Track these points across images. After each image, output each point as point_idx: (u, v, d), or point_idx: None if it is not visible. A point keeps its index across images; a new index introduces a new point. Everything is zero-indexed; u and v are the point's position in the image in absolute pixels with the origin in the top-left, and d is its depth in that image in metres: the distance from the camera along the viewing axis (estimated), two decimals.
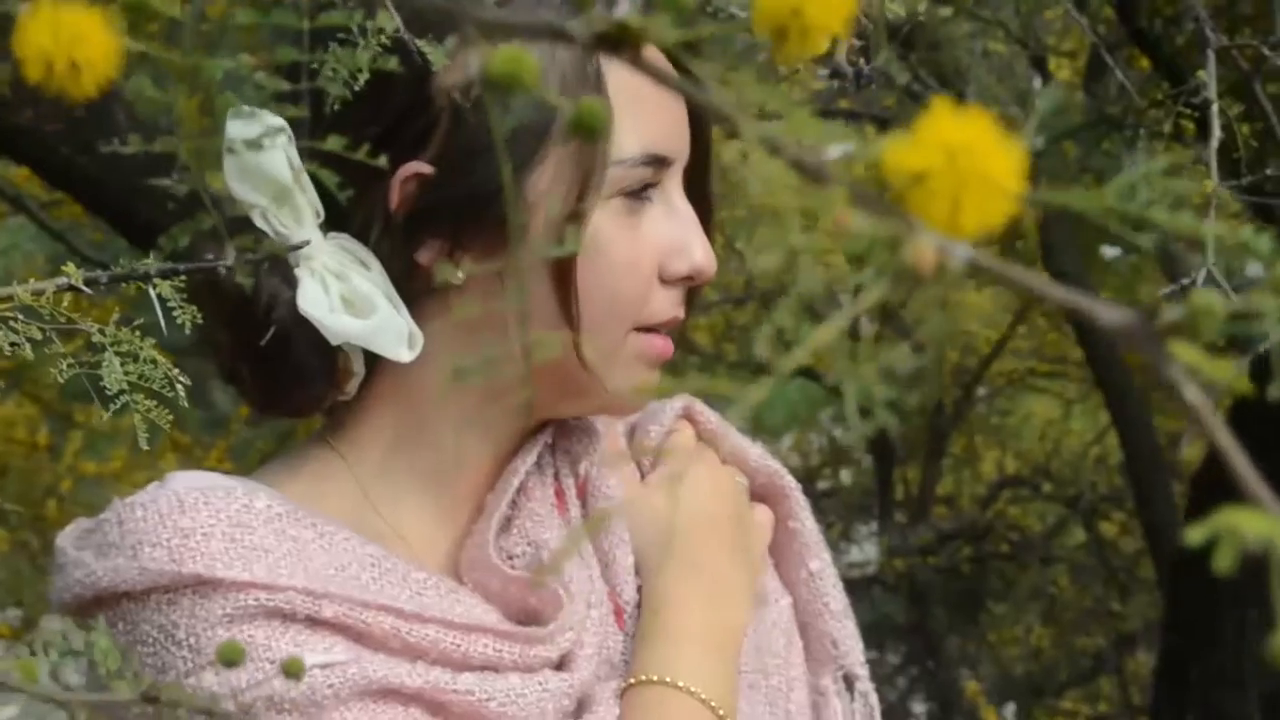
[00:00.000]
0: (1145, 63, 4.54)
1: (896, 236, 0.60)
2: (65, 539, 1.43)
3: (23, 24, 0.69)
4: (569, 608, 1.44)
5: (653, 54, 0.68)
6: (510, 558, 1.48)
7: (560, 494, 1.52)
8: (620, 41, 0.60)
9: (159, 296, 1.49)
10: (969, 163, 0.59)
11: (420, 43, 1.16)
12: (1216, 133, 2.60)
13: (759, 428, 7.82)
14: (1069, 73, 5.83)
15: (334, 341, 1.40)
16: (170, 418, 1.51)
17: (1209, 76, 2.44)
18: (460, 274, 1.40)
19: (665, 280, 1.45)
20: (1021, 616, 7.43)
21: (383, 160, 1.16)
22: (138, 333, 1.46)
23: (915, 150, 0.59)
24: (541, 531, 1.48)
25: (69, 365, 1.44)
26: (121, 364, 1.40)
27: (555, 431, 1.54)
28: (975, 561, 7.34)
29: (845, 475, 7.91)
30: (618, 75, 1.40)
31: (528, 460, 1.49)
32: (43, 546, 6.21)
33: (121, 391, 1.41)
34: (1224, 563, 0.66)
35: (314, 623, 1.36)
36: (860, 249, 0.61)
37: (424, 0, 0.66)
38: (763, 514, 1.58)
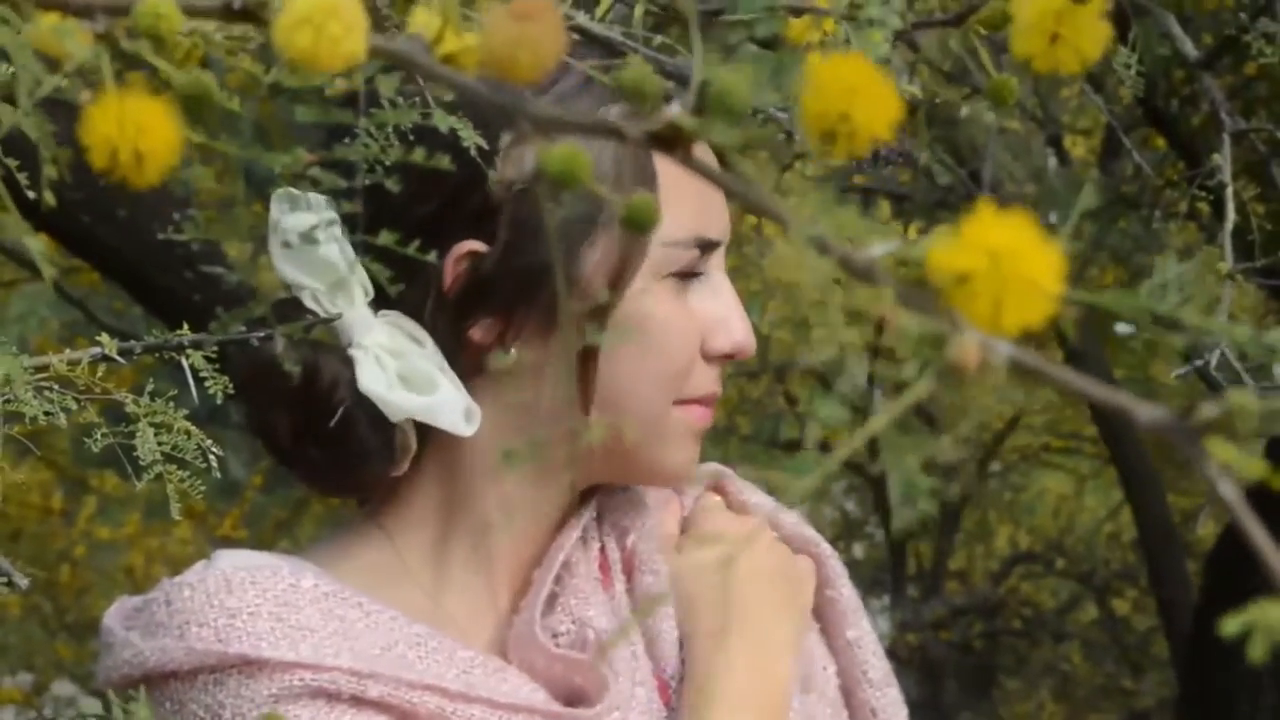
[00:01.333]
0: (1161, 142, 4.57)
1: (941, 334, 0.61)
2: (113, 618, 1.44)
3: (89, 113, 0.71)
4: (614, 687, 1.45)
5: (701, 150, 0.69)
6: (555, 635, 1.48)
7: (605, 568, 1.53)
8: (672, 141, 0.62)
9: (191, 367, 1.50)
10: (1011, 265, 0.61)
11: (461, 127, 1.17)
12: (1231, 215, 2.62)
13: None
14: (1084, 151, 5.85)
15: (395, 419, 1.41)
16: (203, 488, 1.52)
17: (1224, 160, 2.46)
18: (512, 356, 1.41)
19: (707, 356, 1.47)
20: (1034, 693, 7.41)
21: (432, 256, 1.18)
22: (170, 404, 1.47)
23: (959, 252, 0.61)
24: (586, 609, 1.49)
25: (102, 435, 1.46)
26: (155, 434, 1.42)
27: (602, 502, 1.55)
28: (988, 637, 7.32)
29: (858, 549, 7.90)
30: (669, 164, 1.42)
31: (572, 536, 1.50)
32: (55, 611, 6.21)
33: (155, 461, 1.42)
34: (1258, 653, 0.67)
35: (360, 703, 1.36)
36: (906, 345, 0.62)
37: (480, 96, 0.67)
38: (805, 563, 1.58)
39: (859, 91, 0.62)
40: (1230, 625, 0.65)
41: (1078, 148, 5.83)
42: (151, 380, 1.54)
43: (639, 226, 0.66)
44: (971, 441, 6.95)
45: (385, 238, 1.03)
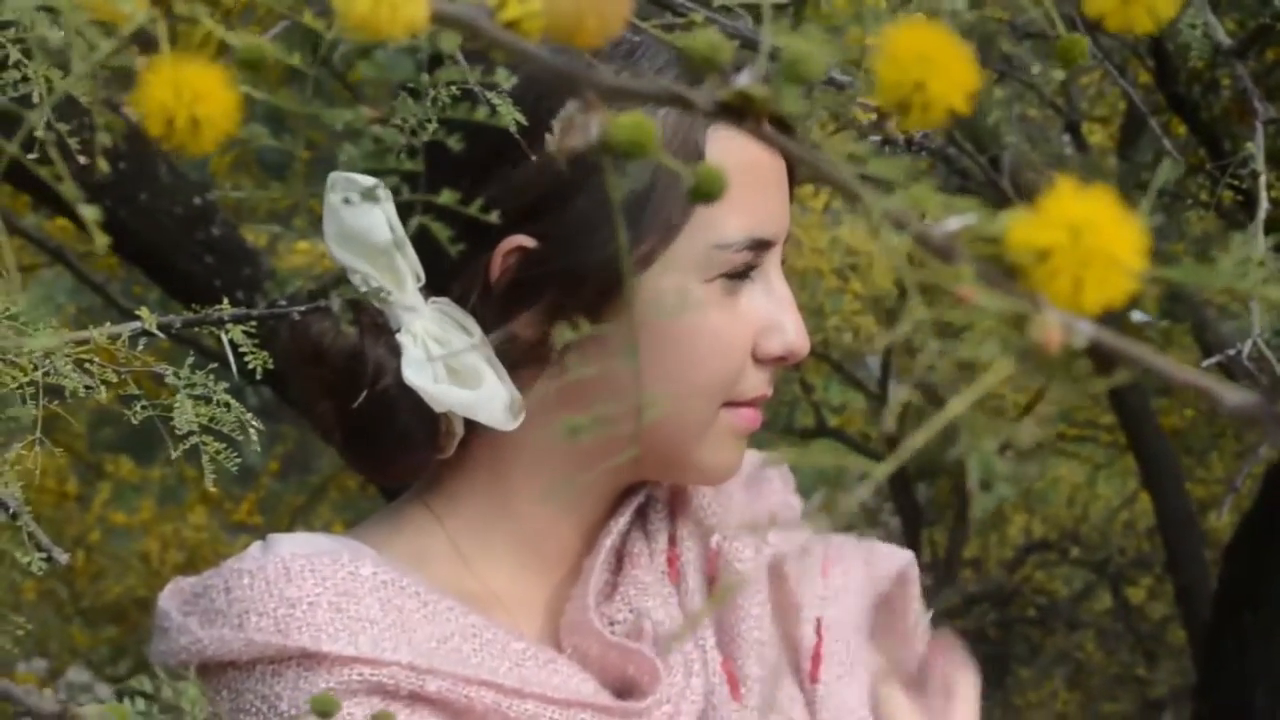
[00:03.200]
0: (1182, 129, 4.55)
1: (1021, 313, 0.60)
2: (169, 601, 1.43)
3: (144, 79, 0.70)
4: (666, 679, 1.45)
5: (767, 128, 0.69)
6: (612, 623, 1.48)
7: (673, 561, 1.52)
8: (743, 111, 0.61)
9: (230, 342, 1.50)
10: (1092, 240, 0.59)
11: (514, 113, 1.16)
12: (1265, 204, 2.60)
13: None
14: (1102, 138, 5.84)
15: (439, 410, 1.40)
16: (238, 460, 1.52)
17: (1258, 148, 2.44)
18: (576, 332, 1.42)
19: (758, 359, 1.46)
20: (1048, 681, 7.40)
21: (494, 217, 1.17)
22: (211, 376, 1.46)
23: (1039, 227, 0.59)
24: (644, 599, 1.49)
25: (142, 407, 1.45)
26: (194, 407, 1.41)
27: (675, 499, 1.55)
28: (1002, 625, 7.31)
29: (872, 536, 7.88)
30: (725, 159, 1.41)
31: (620, 521, 1.50)
32: (70, 597, 6.21)
33: (191, 433, 1.42)
34: None
35: (416, 699, 1.37)
36: (984, 325, 0.61)
37: (544, 63, 0.66)
38: None
39: (935, 60, 0.61)
40: None
41: (1095, 135, 5.81)
42: (176, 362, 1.54)
43: (708, 196, 0.65)
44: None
45: (448, 196, 1.01)
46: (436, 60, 1.15)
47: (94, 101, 0.81)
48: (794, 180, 1.48)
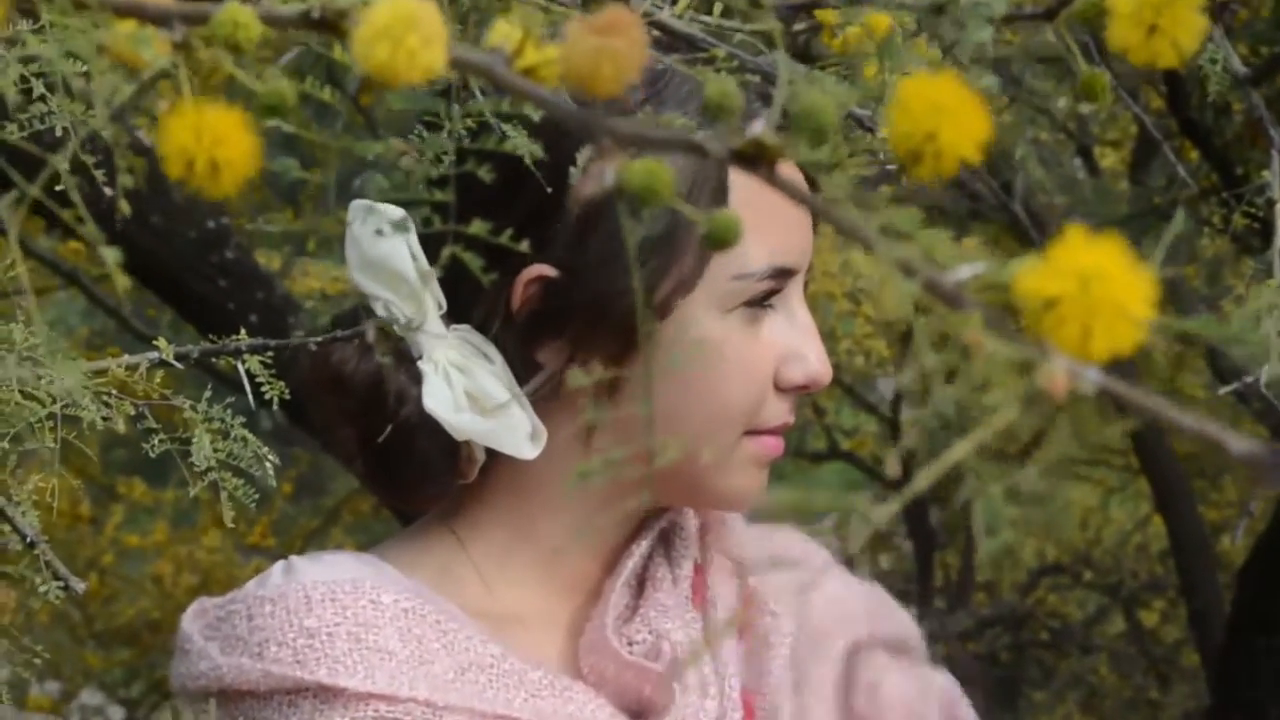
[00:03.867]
0: (1194, 153, 4.55)
1: (1028, 360, 0.60)
2: (192, 624, 1.44)
3: (165, 122, 0.71)
4: (681, 700, 1.45)
5: (787, 169, 0.69)
6: (631, 644, 1.49)
7: (698, 589, 1.53)
8: (756, 159, 0.61)
9: (247, 371, 1.50)
10: (1101, 289, 0.60)
11: (536, 148, 1.17)
12: None
13: (800, 511, 7.79)
14: (1114, 161, 5.84)
15: (459, 439, 1.41)
16: (256, 495, 1.52)
17: (1274, 175, 2.44)
18: (590, 375, 1.41)
19: (780, 387, 1.46)
20: (1061, 705, 7.39)
21: (522, 245, 1.18)
22: (229, 410, 1.47)
23: (1048, 276, 0.60)
24: (665, 621, 1.49)
25: (160, 441, 1.46)
26: (211, 441, 1.42)
27: (704, 528, 1.56)
28: (1014, 649, 7.30)
29: (885, 560, 7.88)
30: (745, 187, 1.42)
31: (643, 545, 1.51)
32: (84, 619, 6.21)
33: (210, 469, 1.43)
34: None
35: None
36: (992, 371, 0.61)
37: (561, 109, 0.66)
38: None
39: (947, 111, 0.61)
40: None
41: (1108, 159, 5.82)
42: (189, 391, 1.55)
43: (722, 244, 0.65)
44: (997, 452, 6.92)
45: (478, 226, 1.02)
46: (461, 88, 1.15)
47: (116, 143, 0.82)
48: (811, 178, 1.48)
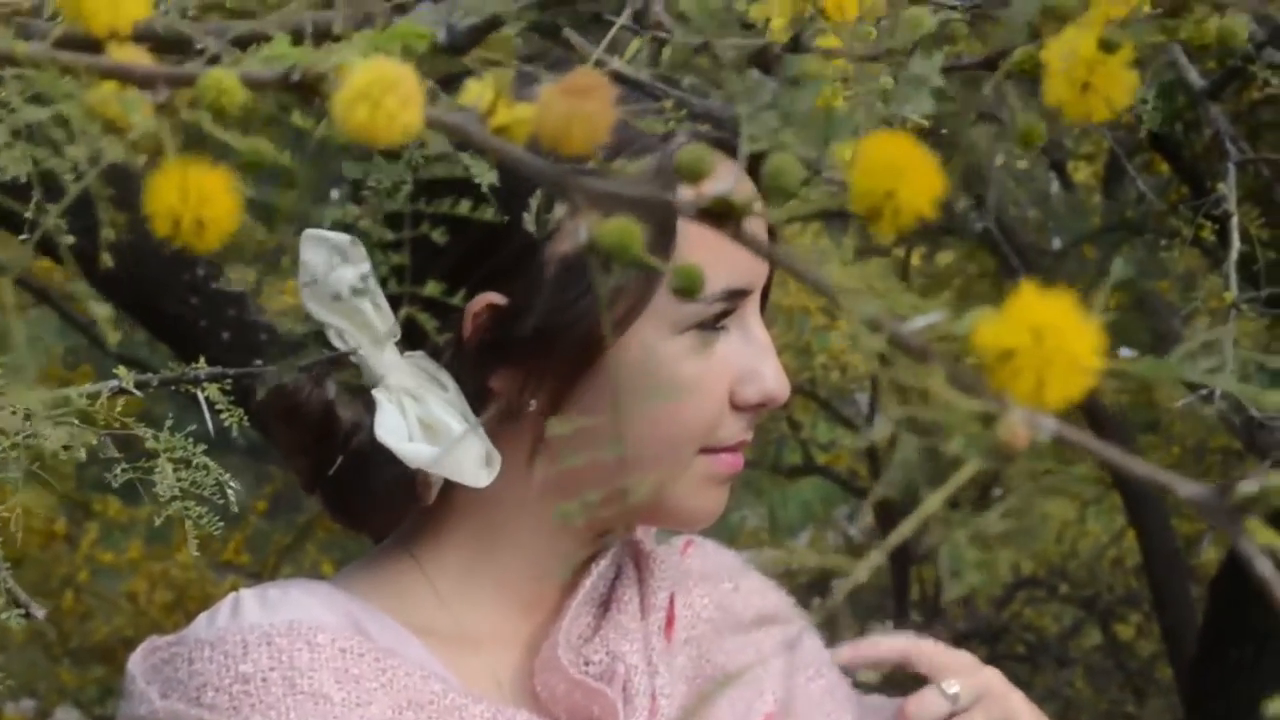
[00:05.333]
0: (1164, 167, 4.57)
1: (989, 412, 0.62)
2: (137, 665, 1.45)
3: (152, 181, 0.72)
4: None
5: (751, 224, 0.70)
6: (587, 664, 1.50)
7: (671, 621, 1.54)
8: (724, 216, 0.62)
9: (207, 399, 1.51)
10: (1054, 342, 0.62)
11: (490, 178, 1.18)
12: (1236, 244, 2.62)
13: (775, 526, 7.81)
14: (1087, 175, 5.86)
15: (412, 466, 1.42)
16: (220, 523, 1.53)
17: (1229, 189, 2.46)
18: (568, 423, 1.42)
19: (737, 406, 1.47)
20: None
21: (476, 273, 1.18)
22: (189, 439, 1.47)
23: (1003, 329, 0.62)
24: (623, 643, 1.50)
25: (122, 470, 1.46)
26: (175, 470, 1.42)
27: (688, 562, 1.57)
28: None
29: (861, 573, 7.88)
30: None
31: (602, 564, 1.52)
32: (59, 637, 6.20)
33: (174, 498, 1.43)
34: None
35: None
36: (953, 422, 0.63)
37: (531, 168, 0.67)
38: None
39: (904, 170, 0.63)
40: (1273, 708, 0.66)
41: (1080, 173, 5.84)
42: (158, 407, 1.55)
43: (688, 292, 0.66)
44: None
45: (433, 288, 1.03)
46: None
47: (101, 201, 0.83)
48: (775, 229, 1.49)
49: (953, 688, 1.52)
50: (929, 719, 1.51)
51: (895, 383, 0.64)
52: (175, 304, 3.71)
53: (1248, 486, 0.63)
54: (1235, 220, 2.68)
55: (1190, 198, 4.03)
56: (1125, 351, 6.78)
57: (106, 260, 0.84)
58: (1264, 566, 0.64)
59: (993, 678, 1.55)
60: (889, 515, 6.58)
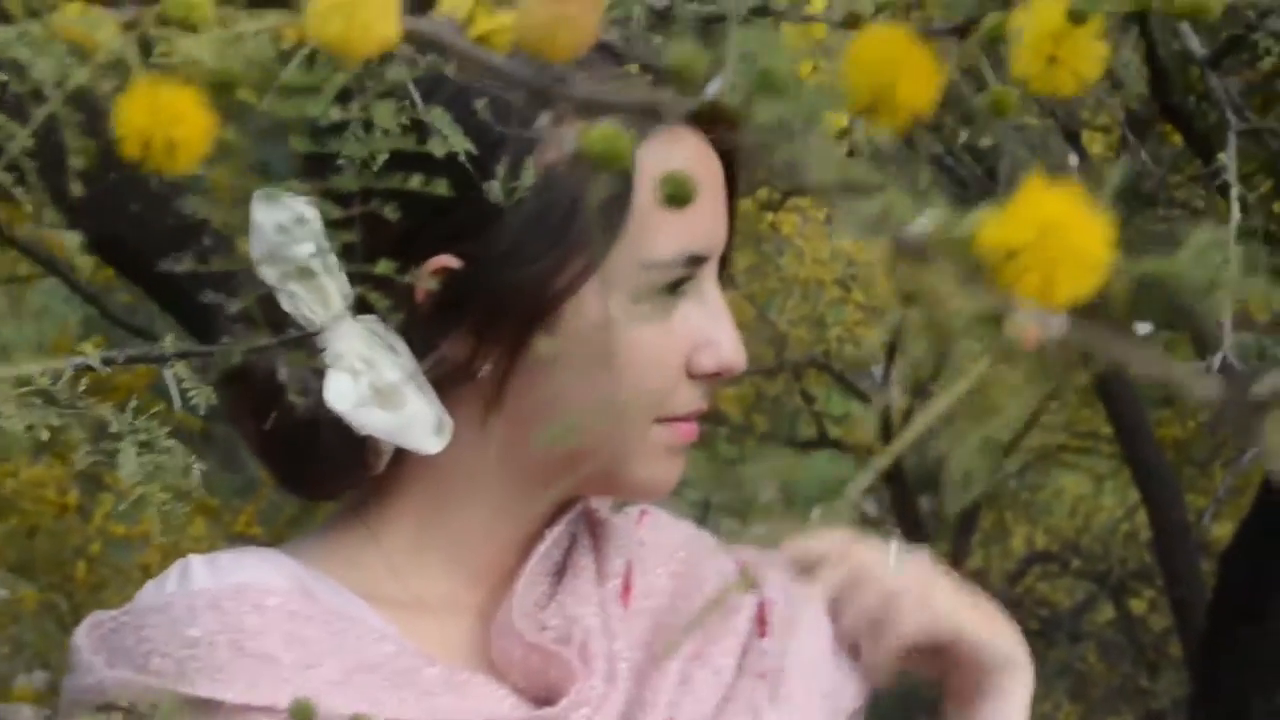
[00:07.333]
0: (1178, 138, 4.55)
1: (996, 312, 0.61)
2: (82, 637, 1.44)
3: (120, 103, 0.71)
4: (586, 683, 1.45)
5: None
6: (544, 629, 1.48)
7: (629, 588, 1.53)
8: (714, 120, 0.61)
9: (175, 376, 1.49)
10: (1061, 237, 0.61)
11: (454, 136, 1.17)
12: (1236, 214, 2.61)
13: (789, 501, 7.80)
14: (1102, 147, 5.84)
15: (361, 434, 1.40)
16: (187, 509, 1.50)
17: (1229, 158, 2.45)
18: (556, 345, 1.41)
19: (693, 374, 1.45)
20: (1049, 693, 7.39)
21: (429, 235, 1.17)
22: (154, 420, 1.45)
23: (1008, 226, 0.60)
24: (580, 607, 1.49)
25: (86, 453, 1.44)
26: (138, 453, 1.40)
27: (648, 533, 1.55)
28: None
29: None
30: (652, 171, 1.42)
31: (555, 531, 1.51)
32: (71, 609, 6.20)
33: (138, 483, 1.41)
34: None
35: None
36: (960, 324, 0.62)
37: (513, 77, 0.66)
38: None
39: (900, 64, 0.62)
40: None
41: (1096, 144, 5.81)
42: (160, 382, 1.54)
43: (681, 202, 0.65)
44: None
45: (384, 267, 1.02)
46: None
47: (69, 127, 0.82)
48: (734, 193, 1.47)
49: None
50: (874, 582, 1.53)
51: (902, 287, 0.63)
52: (181, 275, 3.70)
53: (1266, 384, 0.62)
54: (1235, 191, 2.66)
55: (1200, 169, 4.02)
56: (1142, 326, 6.76)
57: (76, 190, 0.83)
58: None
59: (924, 557, 1.56)
60: (901, 485, 6.56)
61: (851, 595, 1.54)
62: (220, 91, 0.73)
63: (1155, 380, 0.63)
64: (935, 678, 1.60)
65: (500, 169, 1.33)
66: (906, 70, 0.62)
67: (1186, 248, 0.68)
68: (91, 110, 0.78)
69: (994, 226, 0.60)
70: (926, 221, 0.61)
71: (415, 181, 1.20)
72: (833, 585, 1.54)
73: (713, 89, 0.62)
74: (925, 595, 1.53)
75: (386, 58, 0.93)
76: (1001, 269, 0.60)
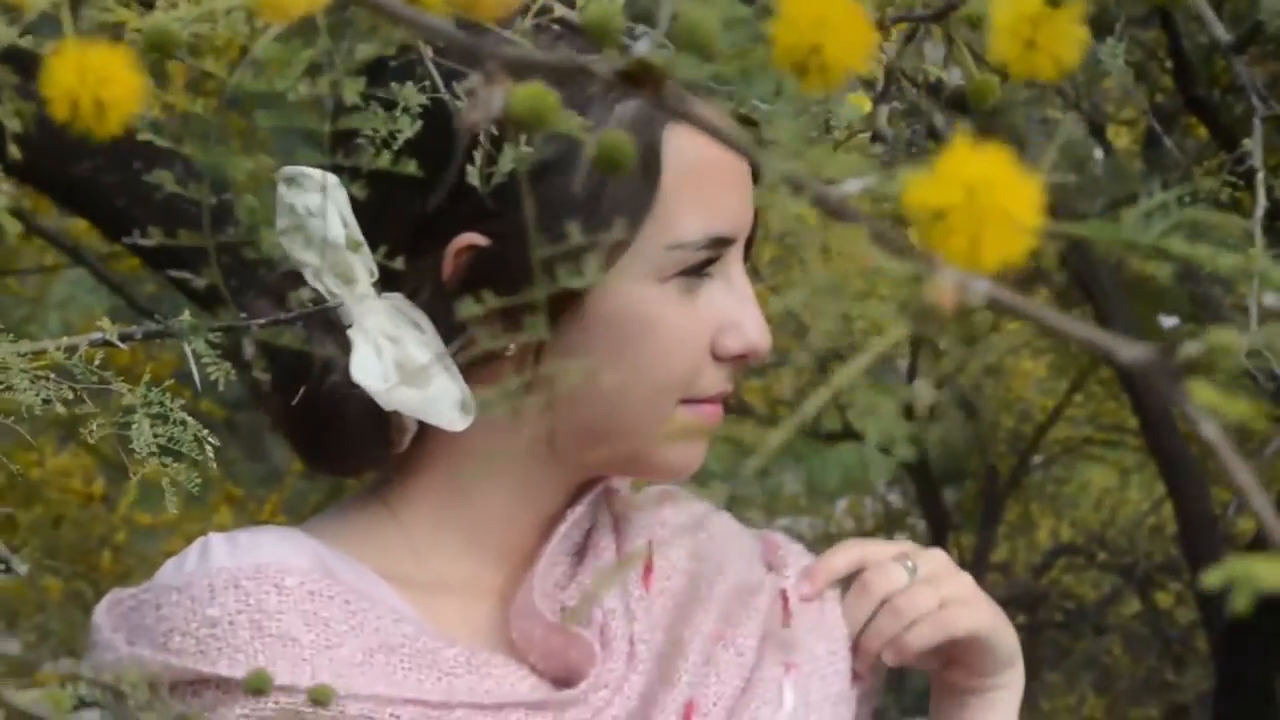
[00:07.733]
0: (1203, 131, 4.54)
1: (918, 274, 0.60)
2: (102, 615, 1.44)
3: (49, 63, 0.70)
4: (605, 665, 1.44)
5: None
6: (564, 610, 1.48)
7: (650, 569, 1.52)
8: (641, 79, 0.61)
9: (194, 352, 1.49)
10: (988, 198, 0.60)
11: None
12: (1262, 201, 2.59)
13: (813, 492, 7.80)
14: (1128, 140, 5.82)
15: (387, 409, 1.40)
16: (198, 480, 1.51)
17: (1255, 144, 2.43)
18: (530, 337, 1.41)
19: (718, 356, 1.45)
20: (1075, 686, 7.37)
21: (455, 214, 1.17)
22: (168, 394, 1.45)
23: (935, 187, 0.59)
24: (599, 587, 1.49)
25: (99, 425, 1.44)
26: (152, 425, 1.40)
27: (672, 517, 1.56)
28: (1029, 630, 7.28)
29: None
30: (682, 156, 1.41)
31: (577, 511, 1.50)
32: (96, 597, 6.22)
33: (151, 454, 1.41)
34: (1241, 605, 0.66)
35: None
36: (883, 286, 0.61)
37: (445, 36, 0.66)
38: None
39: (830, 22, 0.61)
40: (1212, 579, 0.64)
41: (1121, 138, 5.79)
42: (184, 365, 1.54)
43: (614, 166, 0.65)
44: (1013, 434, 6.92)
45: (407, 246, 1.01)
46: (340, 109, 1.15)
47: (4, 88, 0.81)
48: (759, 177, 1.47)
49: (909, 562, 1.54)
50: (890, 588, 1.52)
51: (819, 246, 0.63)
52: (204, 262, 3.71)
53: (1191, 348, 0.62)
54: (1261, 176, 2.64)
55: (1224, 159, 4.00)
56: (1167, 320, 6.73)
57: (15, 153, 0.83)
58: (1209, 429, 0.62)
59: (940, 555, 1.56)
60: (926, 478, 6.56)
61: (866, 594, 1.54)
62: (155, 51, 0.73)
63: (1083, 346, 0.62)
64: (933, 671, 1.60)
65: (478, 155, 1.32)
66: (837, 30, 0.61)
67: (1127, 212, 0.67)
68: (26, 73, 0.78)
69: (921, 186, 0.59)
70: (855, 182, 0.61)
71: (384, 161, 1.20)
72: (845, 575, 1.55)
73: (641, 47, 0.62)
74: (943, 595, 1.54)
75: (346, 29, 0.93)
76: (928, 231, 0.59)
